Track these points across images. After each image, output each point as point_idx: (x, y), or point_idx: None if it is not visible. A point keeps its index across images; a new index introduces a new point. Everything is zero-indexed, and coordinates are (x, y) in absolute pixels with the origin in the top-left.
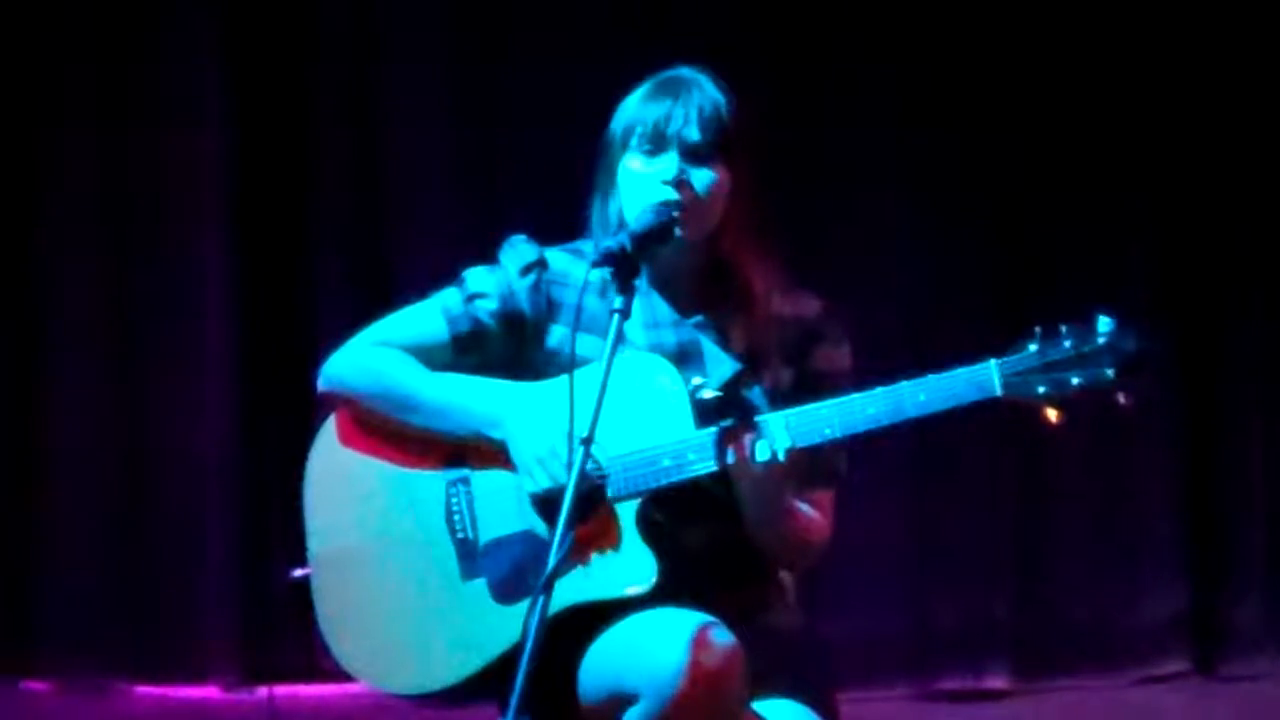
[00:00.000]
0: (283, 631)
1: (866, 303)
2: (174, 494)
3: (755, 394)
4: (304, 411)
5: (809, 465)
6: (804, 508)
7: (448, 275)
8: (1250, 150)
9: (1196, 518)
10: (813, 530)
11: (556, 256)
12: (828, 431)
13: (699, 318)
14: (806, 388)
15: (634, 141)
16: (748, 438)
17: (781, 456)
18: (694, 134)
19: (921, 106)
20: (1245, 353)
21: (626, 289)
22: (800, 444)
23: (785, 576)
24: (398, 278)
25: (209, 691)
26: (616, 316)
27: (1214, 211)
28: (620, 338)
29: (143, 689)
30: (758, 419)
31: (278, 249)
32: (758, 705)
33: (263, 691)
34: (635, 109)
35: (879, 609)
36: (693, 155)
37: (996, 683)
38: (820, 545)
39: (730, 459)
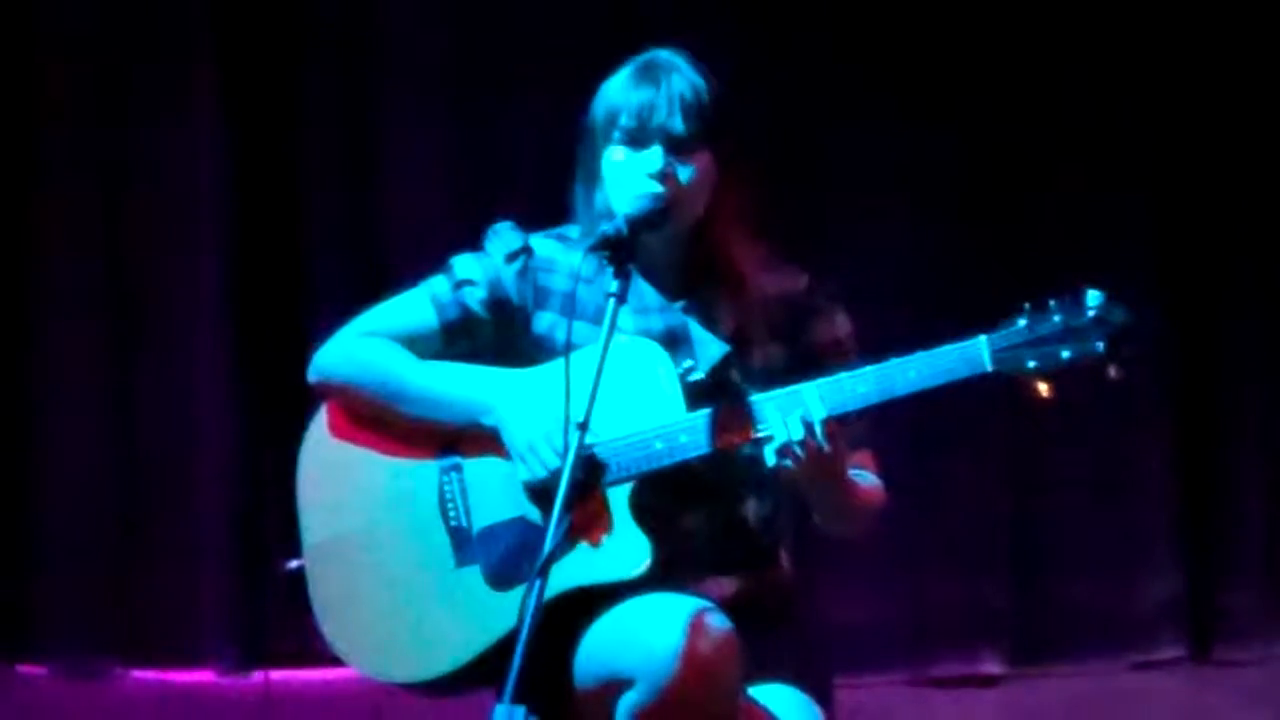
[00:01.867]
0: (278, 616)
1: (857, 279)
2: (170, 478)
3: (741, 377)
4: (300, 398)
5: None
6: (860, 475)
7: (440, 260)
8: (1249, 132)
9: (1192, 503)
10: (872, 495)
11: (542, 243)
12: (817, 412)
13: (685, 301)
14: (808, 363)
15: (616, 134)
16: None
17: (798, 434)
18: (677, 125)
19: (917, 81)
20: (1243, 339)
21: (622, 273)
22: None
23: (784, 560)
24: (393, 269)
25: (204, 675)
26: (613, 301)
27: (1212, 197)
28: (614, 322)
29: (138, 673)
30: (796, 389)
31: (274, 242)
32: (754, 690)
33: (258, 675)
34: (616, 97)
35: (875, 594)
36: (677, 146)
37: (992, 668)
38: (881, 504)
39: (722, 441)
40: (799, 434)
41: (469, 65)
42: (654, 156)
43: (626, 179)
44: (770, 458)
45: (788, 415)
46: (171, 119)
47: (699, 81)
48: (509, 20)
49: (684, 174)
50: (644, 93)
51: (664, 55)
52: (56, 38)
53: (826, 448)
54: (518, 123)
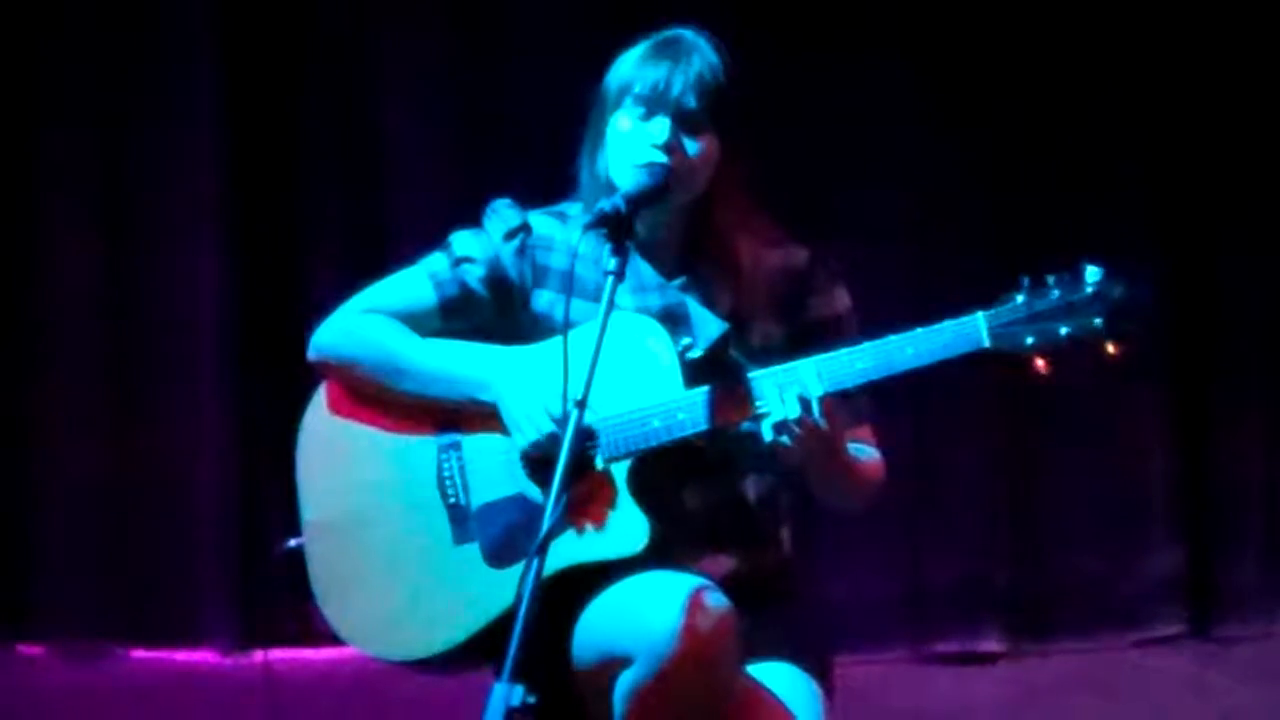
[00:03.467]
0: (279, 595)
1: (856, 252)
2: (170, 458)
3: (739, 354)
4: (299, 377)
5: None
6: (859, 450)
7: (438, 244)
8: (1250, 114)
9: (1193, 480)
10: (872, 469)
11: (540, 220)
12: (815, 389)
13: (683, 279)
14: (808, 339)
15: (628, 101)
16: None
17: (794, 413)
18: (691, 101)
19: (918, 59)
20: (1243, 314)
21: (620, 250)
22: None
23: (784, 538)
24: (392, 252)
25: (205, 655)
26: (611, 278)
27: (1210, 172)
28: (613, 300)
29: (138, 653)
30: (794, 365)
31: (272, 216)
32: (752, 668)
33: (259, 655)
34: (632, 68)
35: (874, 571)
36: (686, 122)
37: (992, 645)
38: (881, 478)
39: (720, 419)
40: (796, 411)
41: (469, 48)
42: (662, 127)
43: (631, 147)
44: (767, 434)
45: (785, 392)
46: (172, 117)
47: (718, 63)
48: (508, 11)
49: (690, 149)
50: (661, 67)
51: (688, 34)
52: (60, 35)
53: (823, 425)
54: (516, 110)
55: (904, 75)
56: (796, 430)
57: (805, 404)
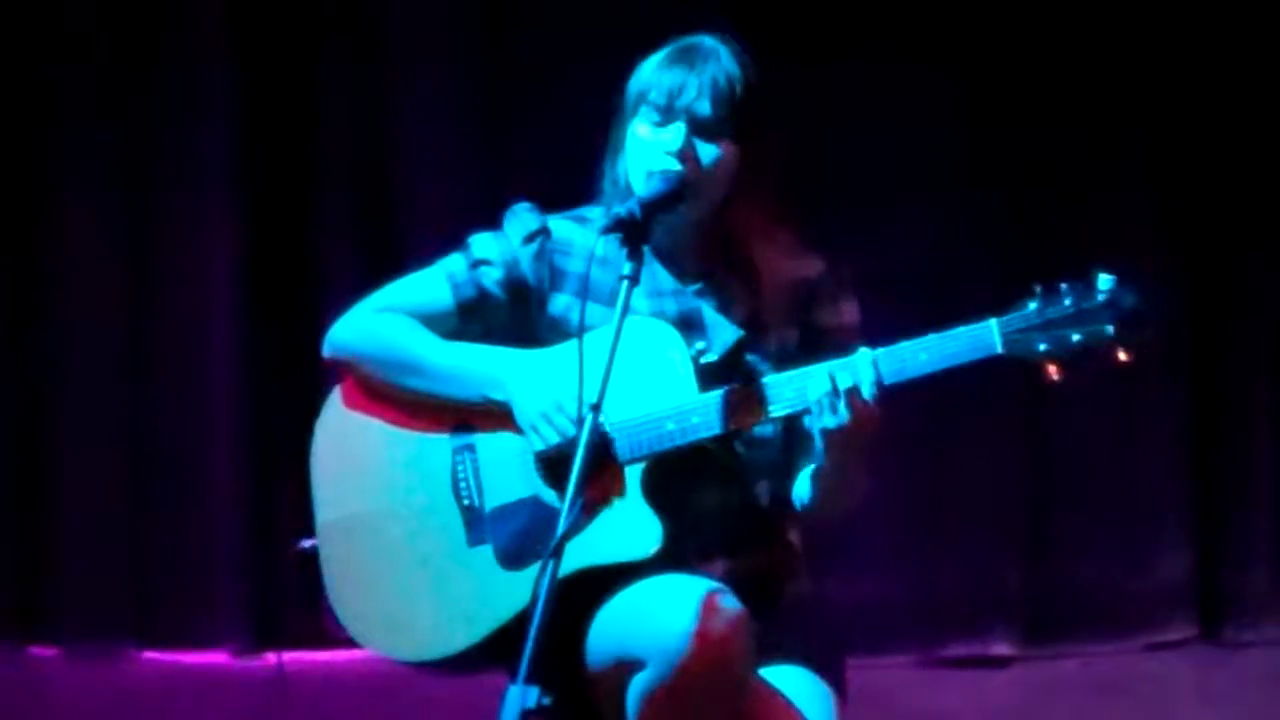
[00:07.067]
0: (292, 597)
1: (870, 258)
2: (182, 459)
3: (757, 359)
4: (313, 377)
5: None
6: None
7: (456, 245)
8: (1261, 117)
9: (1203, 483)
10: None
11: (560, 224)
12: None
13: (700, 285)
14: (811, 345)
15: (644, 108)
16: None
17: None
18: (704, 108)
19: (925, 49)
20: (1252, 318)
21: (636, 255)
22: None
23: (796, 541)
24: (407, 252)
25: (218, 658)
26: (626, 283)
27: (1222, 161)
28: (627, 304)
29: (151, 655)
30: (850, 359)
31: (285, 217)
32: (765, 672)
33: (272, 658)
34: (650, 74)
35: (885, 575)
36: (701, 129)
37: (1003, 649)
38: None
39: (734, 422)
40: (845, 413)
41: (484, 51)
42: (676, 134)
43: (646, 154)
44: (811, 425)
45: (837, 373)
46: (189, 118)
47: (735, 71)
48: (526, 14)
49: (705, 157)
50: (677, 73)
51: (707, 41)
52: (67, 34)
53: (877, 409)
54: (533, 108)
55: (915, 79)
56: (845, 412)
57: (856, 388)
